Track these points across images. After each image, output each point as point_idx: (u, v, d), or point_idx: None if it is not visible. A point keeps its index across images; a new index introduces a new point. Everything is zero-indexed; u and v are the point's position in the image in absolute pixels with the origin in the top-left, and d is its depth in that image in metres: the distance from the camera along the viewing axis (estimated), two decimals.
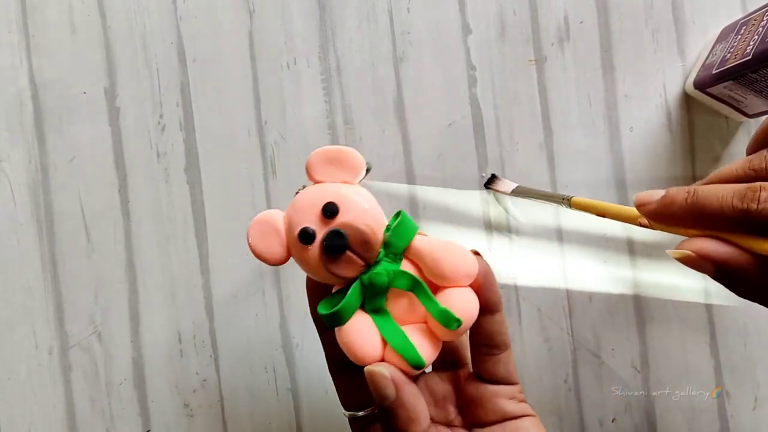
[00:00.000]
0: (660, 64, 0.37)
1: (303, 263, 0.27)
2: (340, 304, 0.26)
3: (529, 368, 0.37)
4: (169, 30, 0.37)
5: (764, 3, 0.33)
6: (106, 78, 0.37)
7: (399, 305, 0.26)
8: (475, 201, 0.37)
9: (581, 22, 0.37)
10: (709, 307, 0.37)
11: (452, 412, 0.29)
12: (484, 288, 0.26)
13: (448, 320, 0.25)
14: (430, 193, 0.37)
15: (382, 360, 0.26)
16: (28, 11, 0.38)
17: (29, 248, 0.37)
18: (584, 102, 0.37)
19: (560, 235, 0.37)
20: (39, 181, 0.37)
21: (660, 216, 0.25)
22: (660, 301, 0.37)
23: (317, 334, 0.29)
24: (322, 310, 0.26)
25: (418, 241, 0.26)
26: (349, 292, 0.26)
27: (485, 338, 0.27)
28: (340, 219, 0.26)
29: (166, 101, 0.37)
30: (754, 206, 0.21)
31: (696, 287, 0.37)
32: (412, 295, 0.26)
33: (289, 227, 0.27)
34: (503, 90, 0.37)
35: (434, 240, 0.26)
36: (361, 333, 0.26)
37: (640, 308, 0.37)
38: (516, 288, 0.37)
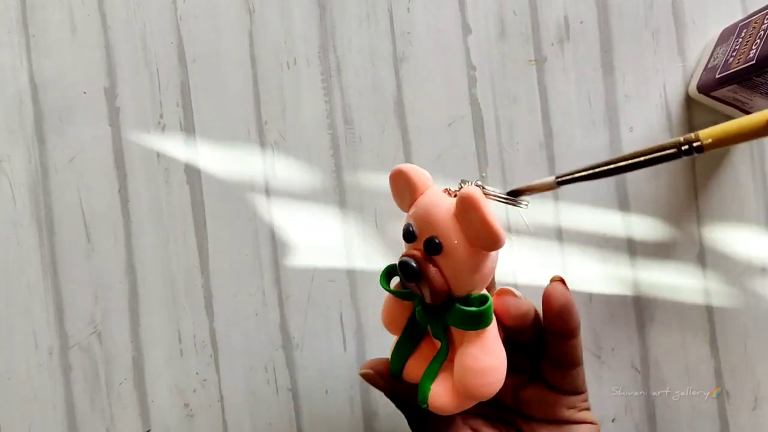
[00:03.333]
0: (660, 64, 0.37)
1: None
2: (395, 291, 0.27)
3: None
4: (169, 30, 0.37)
5: (764, 5, 0.33)
6: (106, 78, 0.37)
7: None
8: None
9: (581, 22, 0.37)
10: (709, 307, 0.37)
11: (513, 400, 0.29)
12: (562, 316, 0.26)
13: (421, 398, 0.26)
14: None
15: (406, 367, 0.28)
16: (28, 11, 0.38)
17: (29, 248, 0.37)
18: (584, 102, 0.37)
19: (560, 235, 0.37)
20: (39, 181, 0.37)
21: None
22: (660, 301, 0.37)
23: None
24: (383, 281, 0.27)
25: (477, 335, 0.25)
26: (402, 294, 0.27)
27: (558, 357, 0.27)
28: (437, 258, 0.24)
29: (166, 101, 0.37)
30: None
31: (696, 287, 0.37)
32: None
33: (411, 203, 0.26)
34: (503, 90, 0.37)
35: (487, 350, 0.25)
36: (396, 313, 0.28)
37: (640, 308, 0.37)
38: (516, 288, 0.37)
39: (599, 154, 0.37)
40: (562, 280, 0.27)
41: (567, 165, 0.37)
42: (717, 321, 0.37)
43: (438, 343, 0.27)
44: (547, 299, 0.26)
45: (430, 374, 0.26)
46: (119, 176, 0.37)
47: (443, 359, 0.27)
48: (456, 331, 0.26)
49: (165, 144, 0.37)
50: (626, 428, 0.37)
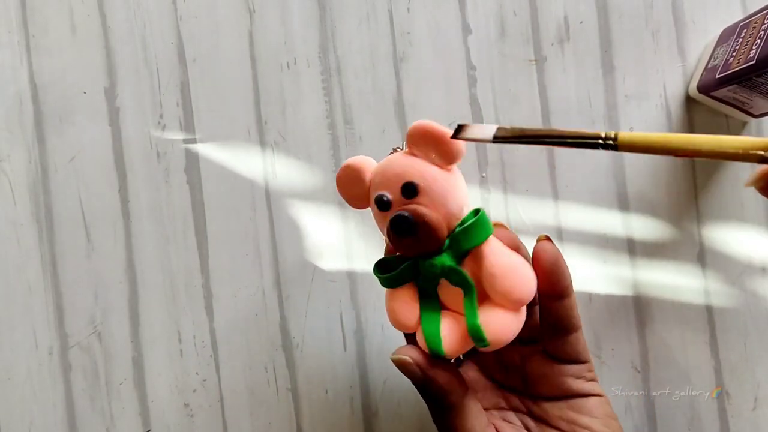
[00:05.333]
0: (660, 64, 0.37)
1: (376, 222, 0.27)
2: (394, 273, 0.27)
3: None
4: (169, 30, 0.37)
5: (764, 5, 0.33)
6: (106, 78, 0.37)
7: (450, 293, 0.26)
8: (474, 201, 0.37)
9: (581, 22, 0.37)
10: (709, 307, 0.37)
11: (522, 381, 0.30)
12: (553, 274, 0.26)
13: (477, 337, 0.25)
14: None
15: (417, 333, 0.27)
16: (28, 11, 0.38)
17: (29, 248, 0.37)
18: (584, 102, 0.37)
19: (560, 235, 0.37)
20: (39, 181, 0.37)
21: None
22: (660, 301, 0.37)
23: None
24: (376, 270, 0.28)
25: (487, 248, 0.25)
26: (402, 267, 0.27)
27: (554, 321, 0.27)
28: (418, 200, 0.25)
29: (166, 101, 0.37)
30: None
31: (696, 287, 0.37)
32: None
33: (372, 185, 0.27)
34: (503, 90, 0.37)
35: (502, 254, 0.26)
36: (404, 305, 0.27)
37: (640, 308, 0.37)
38: None
39: (599, 154, 0.37)
40: (549, 238, 0.27)
41: (567, 165, 0.37)
42: (717, 321, 0.37)
43: (459, 296, 0.26)
44: (536, 258, 0.26)
45: (432, 325, 0.26)
46: (119, 176, 0.37)
47: (434, 309, 0.27)
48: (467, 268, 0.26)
49: (165, 144, 0.37)
50: (626, 428, 0.37)
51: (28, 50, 0.37)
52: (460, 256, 0.26)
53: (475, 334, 0.25)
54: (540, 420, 0.28)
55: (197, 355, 0.37)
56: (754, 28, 0.32)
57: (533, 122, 0.37)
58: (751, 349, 0.37)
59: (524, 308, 0.26)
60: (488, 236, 0.26)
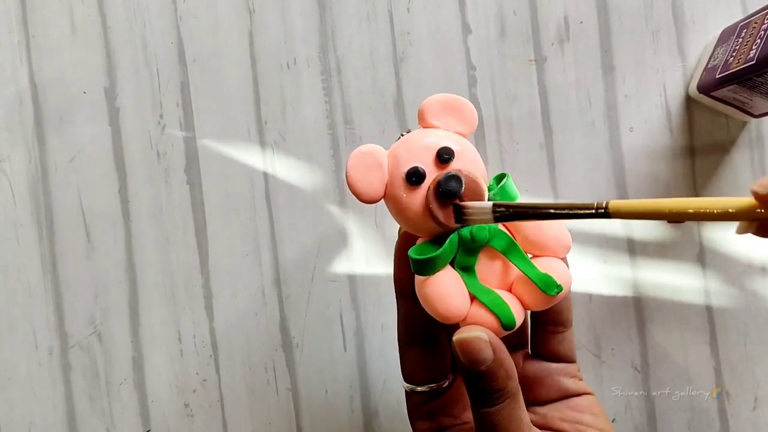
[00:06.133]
0: (660, 64, 0.37)
1: (402, 206, 0.25)
2: (438, 251, 0.24)
3: None
4: (169, 30, 0.37)
5: (764, 5, 0.33)
6: (106, 78, 0.37)
7: (489, 268, 0.25)
8: None
9: (581, 22, 0.37)
10: (709, 307, 0.37)
11: None
12: None
13: (548, 285, 0.24)
14: None
15: (465, 320, 0.24)
16: (28, 11, 0.38)
17: (29, 248, 0.37)
18: (584, 102, 0.37)
19: None
20: (39, 181, 0.37)
21: None
22: (660, 301, 0.37)
23: (395, 300, 0.28)
24: (413, 253, 0.24)
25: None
26: (447, 241, 0.24)
27: (552, 316, 0.27)
28: (453, 165, 0.24)
29: (166, 101, 0.37)
30: None
31: (696, 287, 0.37)
32: (503, 260, 0.25)
33: (396, 165, 0.25)
34: (503, 90, 0.37)
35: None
36: (450, 286, 0.24)
37: (640, 308, 0.37)
38: None
39: (599, 154, 0.37)
40: None
41: (567, 165, 0.37)
42: (717, 321, 0.37)
43: (496, 269, 0.25)
44: None
45: (492, 295, 0.25)
46: (119, 176, 0.37)
47: (481, 284, 0.25)
48: (486, 254, 0.25)
49: (165, 144, 0.37)
50: (626, 428, 0.37)
51: (28, 50, 0.37)
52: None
53: (545, 282, 0.24)
54: (542, 427, 0.28)
55: (197, 355, 0.37)
56: (754, 28, 0.32)
57: (533, 122, 0.37)
58: (751, 349, 0.37)
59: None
60: (518, 197, 0.26)
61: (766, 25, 0.31)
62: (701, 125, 0.37)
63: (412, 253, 0.25)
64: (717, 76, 0.34)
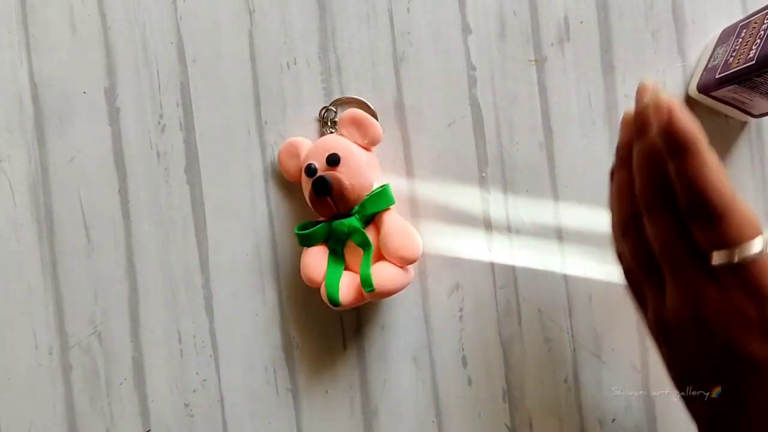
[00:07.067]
0: (660, 64, 0.37)
1: (304, 190, 0.34)
2: (309, 230, 0.34)
3: (529, 368, 0.37)
4: (169, 30, 0.37)
5: (764, 5, 0.33)
6: (106, 78, 0.37)
7: (355, 255, 0.34)
8: (475, 201, 0.37)
9: (581, 22, 0.37)
10: None
11: None
12: (658, 112, 0.25)
13: (366, 283, 0.33)
14: (429, 193, 0.37)
15: (321, 288, 0.34)
16: (28, 11, 0.38)
17: (29, 248, 0.37)
18: (584, 102, 0.37)
19: (560, 235, 0.37)
20: (39, 181, 0.37)
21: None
22: None
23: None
24: (297, 229, 0.34)
25: (387, 215, 0.34)
26: (319, 226, 0.34)
27: (685, 196, 0.24)
28: (338, 169, 0.33)
29: (166, 101, 0.37)
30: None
31: None
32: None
33: (305, 158, 0.34)
34: (503, 90, 0.37)
35: (399, 221, 0.33)
36: (313, 259, 0.34)
37: None
38: (516, 288, 0.37)
39: (599, 154, 0.37)
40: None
41: (567, 165, 0.37)
42: None
43: (361, 258, 0.33)
44: (638, 97, 0.25)
45: (333, 277, 0.33)
46: (119, 176, 0.37)
47: (339, 266, 0.34)
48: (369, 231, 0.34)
49: (165, 144, 0.37)
50: (626, 428, 0.37)
51: (28, 50, 0.37)
52: (366, 221, 0.34)
53: (364, 279, 0.32)
54: None
55: (197, 355, 0.37)
56: (754, 28, 0.32)
57: (533, 122, 0.37)
58: None
59: (411, 269, 0.34)
60: (389, 206, 0.34)
61: (766, 25, 0.31)
62: (701, 125, 0.37)
63: (297, 228, 0.34)
64: (717, 76, 0.34)
